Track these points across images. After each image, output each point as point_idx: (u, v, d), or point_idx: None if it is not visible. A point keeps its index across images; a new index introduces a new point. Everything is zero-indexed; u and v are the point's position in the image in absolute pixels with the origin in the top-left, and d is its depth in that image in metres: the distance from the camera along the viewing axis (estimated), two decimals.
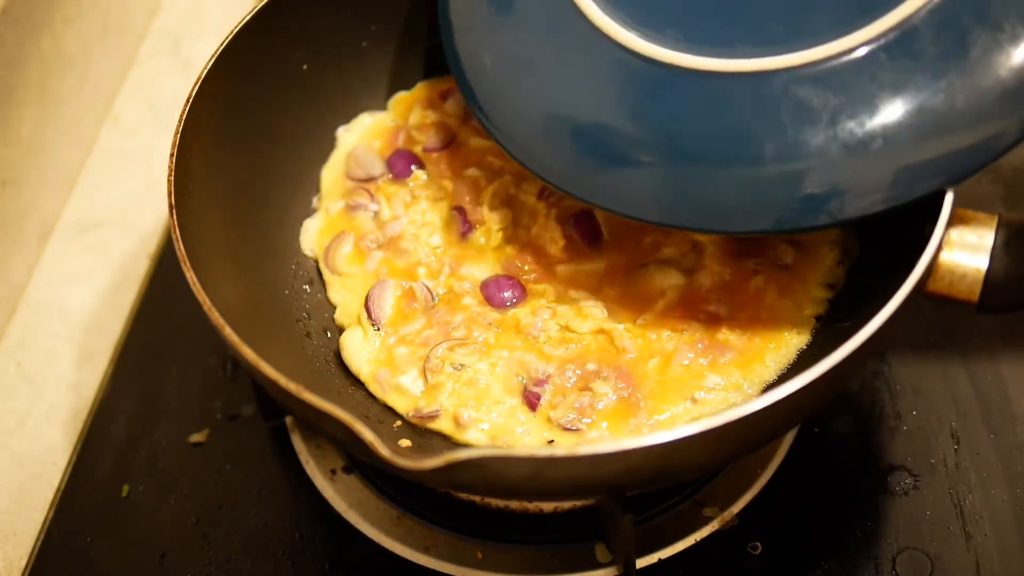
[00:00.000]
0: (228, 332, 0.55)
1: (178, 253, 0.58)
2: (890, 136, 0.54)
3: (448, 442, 0.64)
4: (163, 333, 0.80)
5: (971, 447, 0.69)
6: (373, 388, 0.67)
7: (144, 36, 1.03)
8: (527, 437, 0.63)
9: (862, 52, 0.55)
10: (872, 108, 0.55)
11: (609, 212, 0.62)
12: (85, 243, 0.88)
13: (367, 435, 0.49)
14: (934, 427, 0.70)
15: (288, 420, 0.72)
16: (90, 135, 0.94)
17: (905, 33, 0.55)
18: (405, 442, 0.63)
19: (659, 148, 0.59)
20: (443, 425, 0.64)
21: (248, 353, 0.54)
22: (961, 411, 0.70)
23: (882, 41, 0.55)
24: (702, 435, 0.50)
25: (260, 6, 0.68)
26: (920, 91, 0.54)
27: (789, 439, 0.69)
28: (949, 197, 0.57)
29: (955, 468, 0.68)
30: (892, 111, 0.54)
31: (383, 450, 0.49)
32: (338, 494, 0.70)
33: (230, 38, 0.67)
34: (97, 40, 0.95)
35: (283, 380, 0.53)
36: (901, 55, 0.55)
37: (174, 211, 0.59)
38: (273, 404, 0.68)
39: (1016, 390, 0.71)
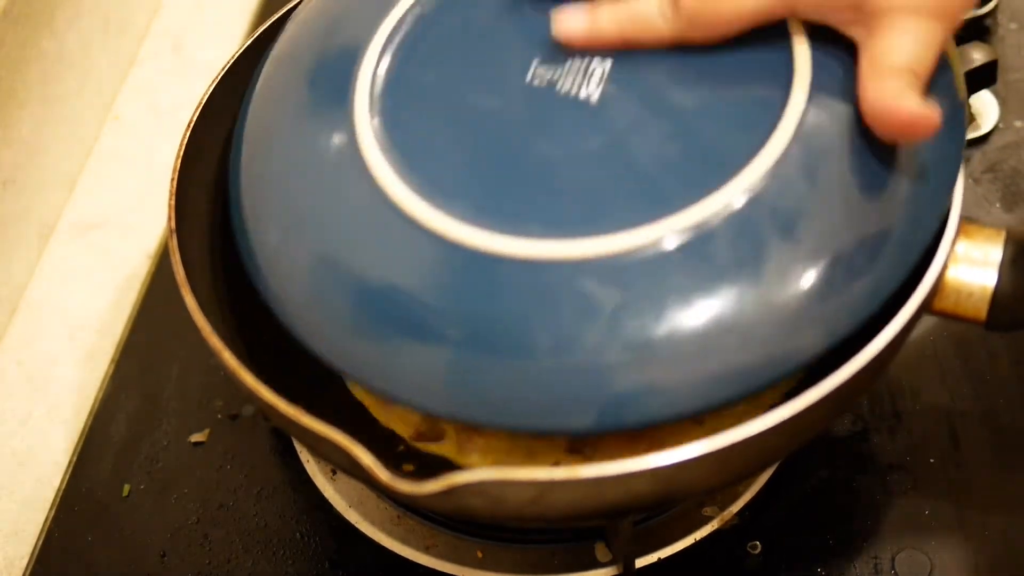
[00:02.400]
0: (227, 356, 0.54)
1: (177, 276, 0.57)
2: (676, 342, 0.49)
3: (451, 466, 0.63)
4: (164, 333, 0.80)
5: (971, 447, 0.69)
6: (376, 412, 0.66)
7: (145, 36, 1.03)
8: (531, 460, 0.62)
9: (655, 250, 0.50)
10: (658, 311, 0.49)
11: (369, 390, 0.56)
12: (86, 243, 0.88)
13: (365, 459, 0.49)
14: (934, 427, 0.70)
15: None
16: (90, 135, 0.94)
17: (701, 236, 0.50)
18: (408, 466, 0.63)
19: (432, 324, 0.51)
20: (446, 448, 0.64)
21: (247, 378, 0.54)
22: (961, 411, 0.71)
23: (677, 240, 0.50)
24: (708, 456, 0.49)
25: (243, 48, 0.67)
26: (710, 299, 0.49)
27: None
28: (956, 208, 0.55)
29: (955, 468, 0.68)
30: (679, 316, 0.49)
31: (382, 475, 0.48)
32: (338, 493, 0.70)
33: (221, 74, 0.65)
34: (98, 40, 0.95)
35: (282, 404, 0.52)
36: (694, 258, 0.50)
37: (175, 235, 0.59)
38: None
39: (1016, 390, 0.71)
